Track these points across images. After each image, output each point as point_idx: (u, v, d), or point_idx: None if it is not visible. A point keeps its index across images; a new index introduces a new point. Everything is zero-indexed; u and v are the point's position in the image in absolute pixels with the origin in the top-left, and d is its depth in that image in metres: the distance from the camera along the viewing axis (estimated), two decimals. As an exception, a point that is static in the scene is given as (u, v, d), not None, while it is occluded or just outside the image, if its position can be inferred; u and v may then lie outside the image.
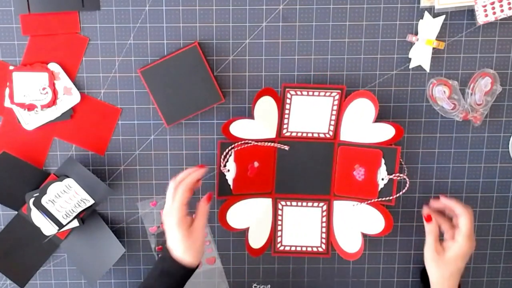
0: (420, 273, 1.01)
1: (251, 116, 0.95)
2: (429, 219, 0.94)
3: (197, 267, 0.90)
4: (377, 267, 1.05)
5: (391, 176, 0.96)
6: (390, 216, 0.97)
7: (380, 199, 0.97)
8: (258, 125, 0.96)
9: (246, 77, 0.97)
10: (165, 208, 0.91)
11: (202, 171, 0.92)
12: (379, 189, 0.97)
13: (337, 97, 0.95)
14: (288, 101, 0.96)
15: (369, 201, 0.98)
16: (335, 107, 0.96)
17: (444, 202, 0.95)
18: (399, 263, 1.05)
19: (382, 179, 0.97)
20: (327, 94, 0.95)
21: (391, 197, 0.97)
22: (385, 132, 0.95)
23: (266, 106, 0.95)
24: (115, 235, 0.99)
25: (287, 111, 0.97)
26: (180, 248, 0.88)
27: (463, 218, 0.90)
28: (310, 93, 0.95)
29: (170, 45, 0.96)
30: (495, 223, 1.04)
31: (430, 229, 0.93)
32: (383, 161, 0.96)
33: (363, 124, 0.96)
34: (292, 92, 0.95)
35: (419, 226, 1.02)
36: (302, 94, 0.95)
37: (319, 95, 0.95)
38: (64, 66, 0.96)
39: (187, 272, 0.89)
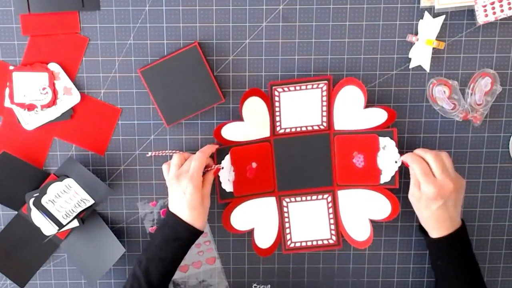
0: (419, 226, 1.00)
1: (240, 118, 0.95)
2: (406, 164, 0.94)
3: (202, 232, 0.93)
4: (377, 267, 1.05)
5: (403, 158, 0.95)
6: (395, 199, 0.97)
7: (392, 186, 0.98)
8: (250, 126, 0.96)
9: (246, 77, 0.98)
10: (175, 172, 0.92)
11: (215, 147, 0.96)
12: (393, 173, 0.97)
13: (324, 87, 0.95)
14: (276, 98, 0.96)
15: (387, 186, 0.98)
16: (324, 98, 0.96)
17: (417, 153, 0.94)
18: (399, 263, 1.05)
19: (396, 161, 0.96)
20: (314, 86, 0.95)
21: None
22: (378, 116, 0.96)
23: (254, 107, 0.95)
24: (115, 235, 0.99)
25: (277, 109, 0.97)
26: (195, 213, 0.90)
27: (412, 167, 0.92)
28: (298, 87, 0.95)
29: (170, 45, 0.96)
30: (495, 223, 1.04)
31: (411, 172, 0.93)
32: (393, 143, 0.96)
33: (355, 111, 0.96)
34: (280, 90, 0.95)
35: (419, 226, 1.02)
36: (289, 90, 0.95)
37: (306, 89, 0.95)
38: (64, 66, 0.96)
39: (195, 236, 0.92)
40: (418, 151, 0.94)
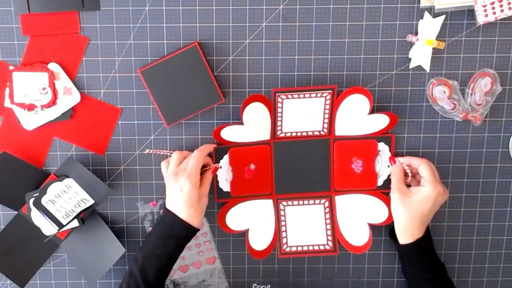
0: (389, 232, 1.00)
1: (241, 122, 0.95)
2: (394, 160, 0.97)
3: (198, 229, 0.93)
4: (377, 267, 1.05)
5: (402, 159, 0.97)
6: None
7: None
8: (250, 129, 0.96)
9: (246, 77, 0.98)
10: (173, 170, 0.93)
11: (212, 146, 0.97)
12: (386, 177, 0.99)
13: (328, 97, 0.95)
14: (279, 105, 0.95)
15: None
16: (327, 106, 0.96)
17: (402, 160, 0.97)
18: (399, 263, 1.05)
19: (389, 166, 0.97)
20: (318, 95, 0.95)
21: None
22: (380, 122, 0.96)
23: (256, 112, 0.95)
24: (115, 235, 0.99)
25: (279, 114, 0.96)
26: (191, 210, 0.90)
27: (422, 166, 0.94)
28: (301, 95, 0.95)
29: (170, 45, 0.96)
30: (495, 223, 1.04)
31: (394, 171, 0.96)
32: (386, 147, 0.97)
33: (357, 118, 0.96)
34: (283, 97, 0.95)
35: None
36: (293, 97, 0.95)
37: (310, 97, 0.95)
38: (64, 66, 0.96)
39: (191, 234, 0.92)
40: (410, 158, 0.96)
